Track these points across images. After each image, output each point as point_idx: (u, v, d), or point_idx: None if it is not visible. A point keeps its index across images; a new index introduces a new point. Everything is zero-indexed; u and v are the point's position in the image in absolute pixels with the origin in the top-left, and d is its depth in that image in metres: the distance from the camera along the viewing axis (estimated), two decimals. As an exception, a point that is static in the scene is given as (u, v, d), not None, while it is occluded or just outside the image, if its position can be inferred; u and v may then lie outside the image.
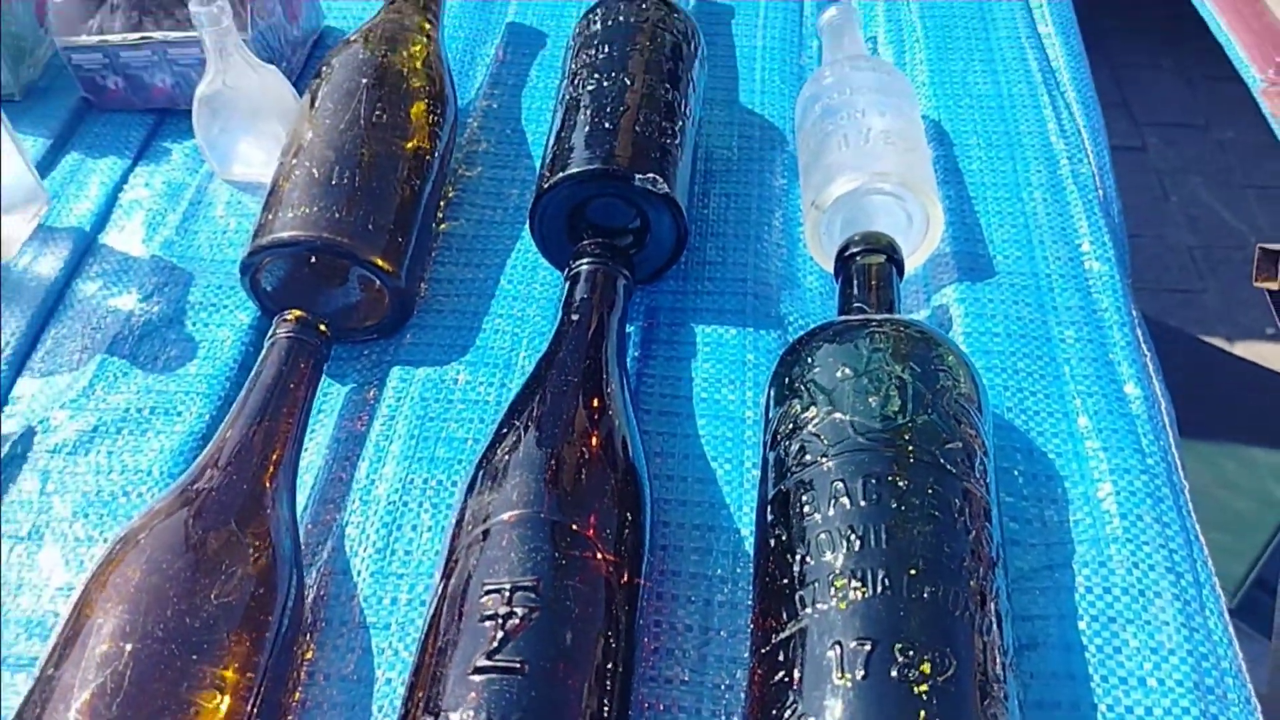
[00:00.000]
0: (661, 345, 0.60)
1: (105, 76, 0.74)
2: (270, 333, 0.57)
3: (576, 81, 0.66)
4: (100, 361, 0.60)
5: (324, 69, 0.67)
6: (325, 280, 0.61)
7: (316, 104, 0.65)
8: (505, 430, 0.50)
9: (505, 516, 0.45)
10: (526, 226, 0.66)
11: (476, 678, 0.39)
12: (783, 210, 0.68)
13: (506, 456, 0.48)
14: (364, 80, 0.65)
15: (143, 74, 0.74)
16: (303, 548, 0.52)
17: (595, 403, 0.51)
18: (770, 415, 0.51)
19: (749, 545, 0.52)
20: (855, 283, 0.56)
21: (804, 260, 0.65)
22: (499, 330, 0.62)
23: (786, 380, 0.51)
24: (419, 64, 0.68)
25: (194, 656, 0.43)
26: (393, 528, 0.53)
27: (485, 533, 0.45)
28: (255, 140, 0.69)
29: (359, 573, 0.52)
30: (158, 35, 0.72)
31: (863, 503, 0.44)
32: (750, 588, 0.50)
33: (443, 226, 0.67)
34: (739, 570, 0.51)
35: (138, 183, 0.72)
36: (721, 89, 0.75)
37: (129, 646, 0.42)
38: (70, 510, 0.54)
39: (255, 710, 0.44)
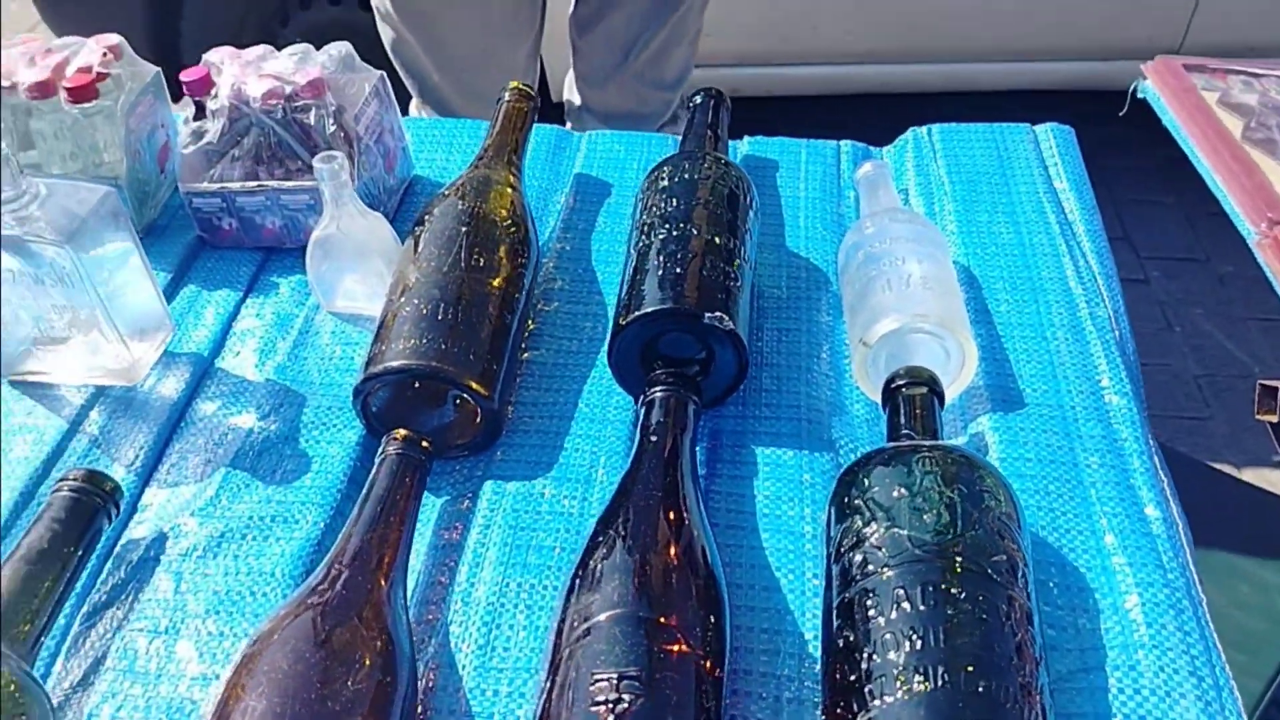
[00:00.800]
0: (726, 465, 0.67)
1: (221, 218, 0.84)
2: (381, 450, 0.64)
3: (647, 231, 0.74)
4: (224, 474, 0.67)
5: (426, 217, 0.76)
6: (424, 402, 0.69)
7: (420, 248, 0.73)
8: (599, 540, 0.56)
9: (605, 616, 0.52)
10: (601, 356, 0.75)
11: (591, 756, 0.45)
12: (829, 344, 0.76)
13: (602, 563, 0.55)
14: (462, 228, 0.74)
15: (255, 216, 0.83)
16: (411, 644, 0.58)
17: (676, 515, 0.58)
18: (832, 531, 0.57)
19: (812, 648, 0.58)
20: (902, 411, 0.64)
21: (850, 389, 0.73)
22: (579, 449, 0.69)
23: (846, 499, 0.57)
24: (506, 212, 0.77)
25: (334, 737, 0.49)
26: (492, 626, 0.59)
27: (588, 630, 0.51)
28: (359, 277, 0.77)
29: (463, 667, 0.58)
30: (272, 183, 0.81)
31: (922, 607, 0.50)
32: (816, 686, 0.56)
33: (525, 355, 0.75)
34: (804, 670, 0.57)
35: (249, 313, 0.80)
36: (770, 234, 0.84)
37: (283, 723, 0.48)
38: (203, 608, 0.60)
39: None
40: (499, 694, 0.56)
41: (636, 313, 0.68)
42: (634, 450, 0.63)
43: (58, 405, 0.72)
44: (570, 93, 1.69)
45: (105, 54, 0.82)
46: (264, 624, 0.54)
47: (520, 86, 0.89)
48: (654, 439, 0.63)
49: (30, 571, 0.58)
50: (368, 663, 0.53)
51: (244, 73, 0.81)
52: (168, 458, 0.70)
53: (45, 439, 0.70)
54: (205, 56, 0.84)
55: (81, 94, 0.79)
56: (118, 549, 0.64)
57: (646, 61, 1.58)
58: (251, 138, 0.81)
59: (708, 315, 0.67)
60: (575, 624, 0.52)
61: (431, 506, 0.67)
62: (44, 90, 0.80)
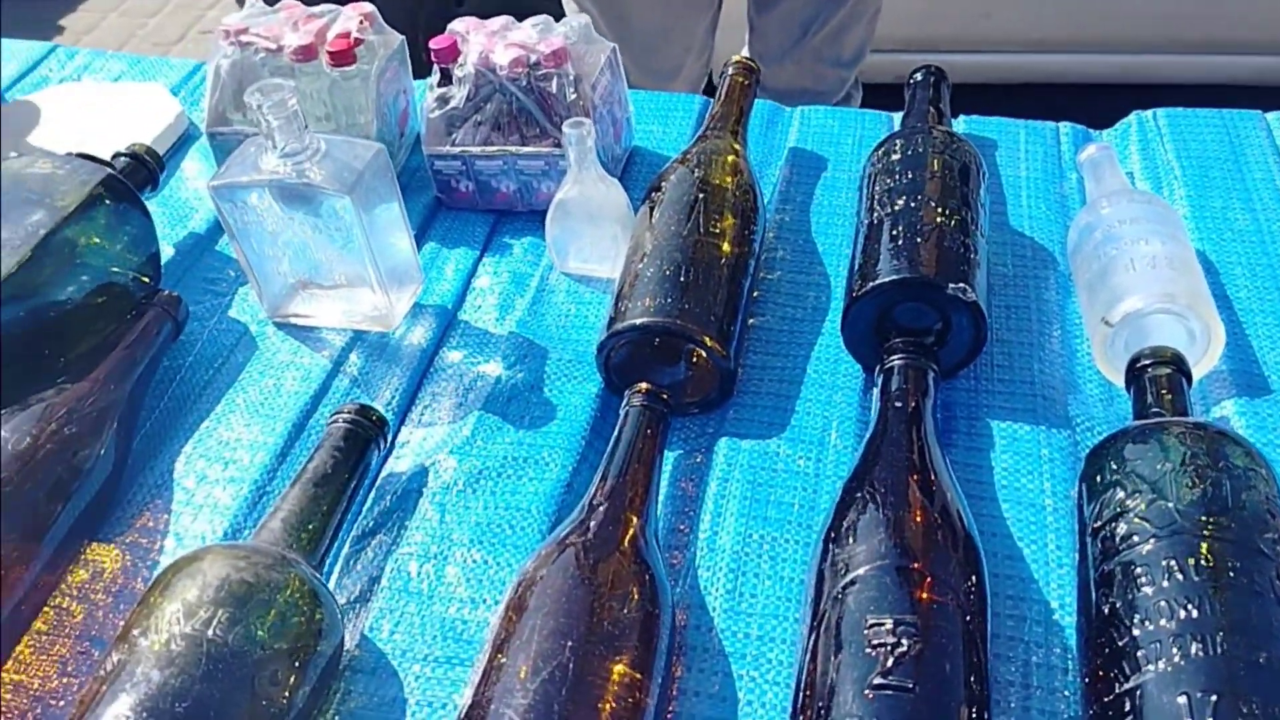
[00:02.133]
0: (961, 436, 0.68)
1: (459, 180, 0.88)
2: (625, 401, 0.67)
3: (879, 203, 0.76)
4: (478, 417, 0.72)
5: (661, 185, 0.79)
6: (660, 359, 0.72)
7: (657, 215, 0.76)
8: (855, 497, 0.58)
9: (870, 567, 0.53)
10: (825, 324, 0.77)
11: (872, 694, 0.47)
12: (1059, 323, 0.76)
13: (860, 519, 0.57)
14: (699, 195, 0.77)
15: (491, 180, 0.88)
16: (661, 585, 0.61)
17: (932, 476, 0.59)
18: (1085, 507, 0.58)
19: (1059, 616, 0.58)
20: (1150, 390, 0.63)
21: (1082, 368, 0.72)
22: (810, 413, 0.71)
23: (1101, 475, 0.58)
24: (736, 181, 0.80)
25: (615, 655, 0.52)
26: (738, 574, 0.62)
27: (853, 580, 0.53)
28: (592, 240, 0.81)
29: (713, 609, 0.60)
30: (511, 148, 0.85)
31: (1196, 578, 0.50)
32: (1064, 652, 0.57)
33: (751, 321, 0.77)
34: (1051, 636, 0.58)
35: (485, 271, 0.84)
36: (993, 212, 0.84)
37: (568, 644, 0.52)
38: (467, 538, 0.65)
39: (652, 704, 0.53)
40: (749, 636, 0.59)
41: (874, 282, 0.70)
42: (877, 415, 0.64)
43: (320, 346, 0.78)
44: (744, 72, 1.70)
45: (361, 21, 0.88)
46: (531, 561, 0.58)
47: (743, 60, 0.91)
48: (898, 404, 0.64)
49: (316, 493, 0.63)
50: (635, 594, 0.56)
51: (490, 41, 0.85)
52: (420, 400, 0.75)
53: (312, 376, 0.76)
54: (450, 26, 0.88)
55: (342, 58, 0.85)
56: (379, 481, 0.69)
57: (825, 39, 1.58)
58: (494, 104, 0.85)
59: (951, 286, 0.68)
60: (840, 573, 0.54)
61: (665, 459, 0.70)
62: (307, 54, 0.86)
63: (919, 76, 0.90)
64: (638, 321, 0.70)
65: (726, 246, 0.75)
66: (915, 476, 0.59)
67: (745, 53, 1.76)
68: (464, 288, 0.83)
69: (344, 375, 0.76)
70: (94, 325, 0.75)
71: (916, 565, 0.53)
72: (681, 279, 0.72)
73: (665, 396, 0.68)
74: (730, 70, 0.90)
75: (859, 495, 0.58)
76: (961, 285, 0.68)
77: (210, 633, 0.52)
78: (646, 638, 0.55)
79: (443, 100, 0.87)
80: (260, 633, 0.53)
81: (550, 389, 0.74)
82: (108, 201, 0.76)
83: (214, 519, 0.67)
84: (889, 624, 0.50)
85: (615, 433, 0.66)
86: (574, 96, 0.83)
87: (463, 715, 0.51)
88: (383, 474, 0.70)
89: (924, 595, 0.52)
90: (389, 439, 0.68)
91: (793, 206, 0.87)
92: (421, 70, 0.94)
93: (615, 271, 0.82)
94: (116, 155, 0.83)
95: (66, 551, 0.64)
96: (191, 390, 0.76)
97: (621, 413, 0.67)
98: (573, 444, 0.70)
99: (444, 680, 0.58)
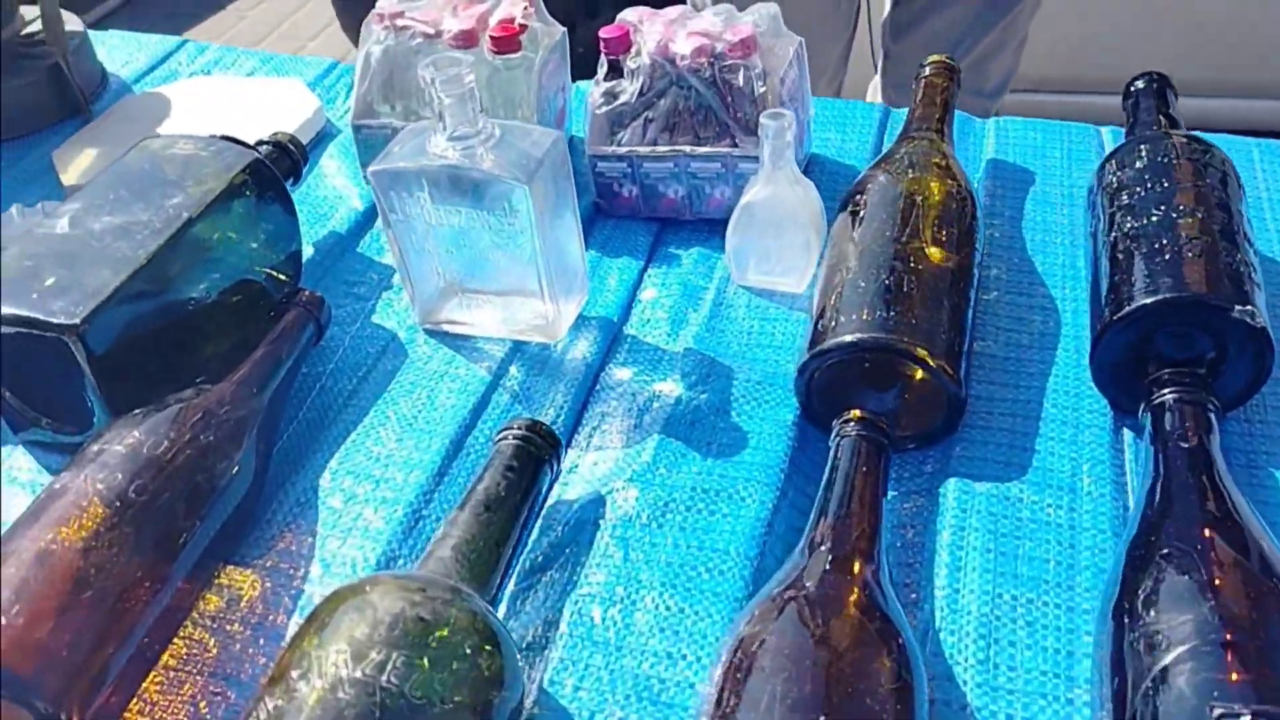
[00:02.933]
0: (1240, 486, 0.57)
1: (622, 184, 0.80)
2: (837, 430, 0.58)
3: (1127, 216, 0.65)
4: (659, 442, 0.63)
5: (863, 192, 0.69)
6: (869, 385, 0.62)
7: (862, 224, 0.67)
8: (1151, 559, 0.48)
9: (1193, 645, 0.43)
10: (1057, 352, 0.66)
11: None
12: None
13: (1163, 584, 0.46)
14: (915, 198, 0.67)
15: (659, 184, 0.79)
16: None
17: (1242, 529, 0.48)
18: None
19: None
20: None
21: (1375, 413, 0.61)
22: (1054, 453, 0.60)
23: None
24: (952, 187, 0.70)
25: (877, 741, 0.42)
26: (990, 642, 0.51)
27: (1176, 661, 0.43)
28: (781, 249, 0.72)
29: (964, 683, 0.50)
30: (685, 148, 0.77)
31: None
32: None
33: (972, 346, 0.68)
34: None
35: (652, 283, 0.76)
36: (1232, 235, 0.74)
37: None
38: (656, 580, 0.55)
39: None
40: (1013, 719, 0.49)
41: (1136, 305, 0.59)
42: (1154, 459, 0.54)
43: (477, 357, 0.70)
44: (874, 99, 1.62)
45: (526, 6, 0.81)
46: (749, 615, 0.48)
47: (941, 59, 0.82)
48: (1181, 445, 0.54)
49: (488, 519, 0.54)
50: (887, 661, 0.46)
51: (669, 30, 0.77)
52: (588, 420, 0.66)
53: (469, 389, 0.67)
54: (621, 15, 0.81)
55: (506, 45, 0.78)
56: (546, 510, 0.61)
57: (968, 68, 1.49)
58: (669, 99, 0.77)
59: (1238, 309, 0.57)
60: (1152, 651, 0.43)
61: (875, 500, 0.60)
62: (467, 40, 0.79)
63: (1141, 84, 0.80)
64: (850, 338, 0.60)
65: (947, 255, 0.66)
66: (1222, 530, 0.49)
67: (878, 80, 1.69)
68: (629, 300, 0.75)
69: (504, 389, 0.68)
70: (229, 325, 0.68)
71: (1256, 638, 0.43)
72: (900, 291, 0.62)
73: (884, 425, 0.58)
74: (927, 71, 0.81)
75: (1156, 556, 0.48)
76: (1249, 308, 0.57)
77: (384, 679, 0.43)
78: (904, 714, 0.45)
79: (610, 95, 0.79)
80: (439, 681, 0.44)
81: (739, 413, 0.64)
82: (249, 192, 0.70)
83: (365, 544, 0.58)
84: (1242, 714, 0.39)
85: (829, 466, 0.56)
86: (762, 90, 0.75)
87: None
88: (550, 501, 0.61)
89: (1261, 675, 0.41)
90: (561, 460, 0.60)
91: (1002, 221, 0.77)
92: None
93: (802, 285, 0.73)
94: (259, 143, 0.76)
95: (200, 574, 0.56)
96: (334, 400, 0.68)
97: (833, 443, 0.57)
98: (770, 477, 0.60)
99: (639, 751, 0.49)
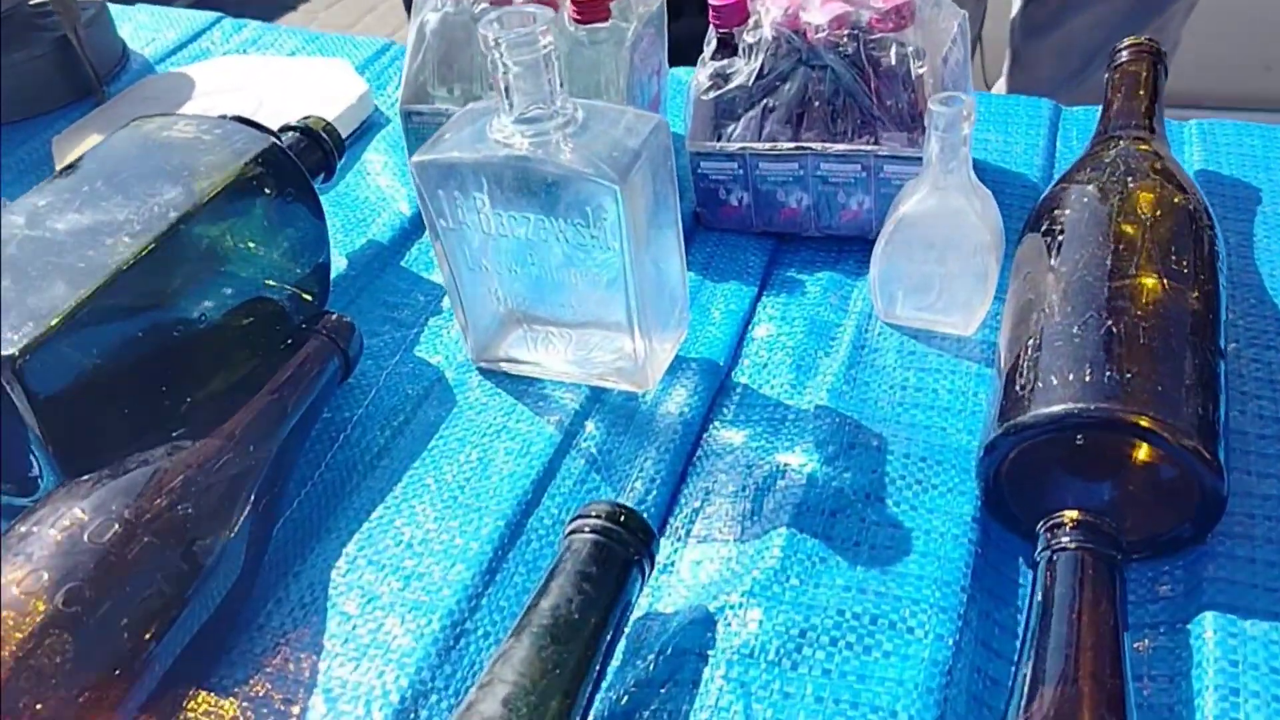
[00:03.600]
0: None
1: (731, 189, 0.64)
2: (1046, 538, 0.41)
3: None
4: (787, 538, 0.46)
5: (1059, 206, 0.53)
6: (1082, 471, 0.46)
7: (1063, 247, 0.50)
8: None
9: None
10: (1332, 430, 0.49)
11: None
12: None
13: None
14: (1134, 218, 0.50)
15: (778, 190, 0.63)
16: None
17: None
18: None
19: None
20: None
21: None
22: (1354, 579, 0.43)
23: None
24: (1179, 199, 0.53)
25: None
26: None
27: None
28: (943, 277, 0.55)
29: None
30: (816, 145, 0.61)
31: None
32: None
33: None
34: None
35: (767, 316, 0.59)
36: None
37: None
38: (796, 752, 0.39)
39: None
40: None
41: None
42: None
43: (544, 407, 0.54)
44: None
45: (617, -32, 0.65)
46: None
47: (1137, 40, 0.64)
48: None
49: (555, 655, 0.38)
50: None
51: (798, -4, 0.61)
52: (687, 497, 0.50)
53: (533, 451, 0.52)
54: (736, -20, 0.65)
55: (592, 12, 0.62)
56: (631, 624, 0.45)
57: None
58: (795, 83, 0.61)
59: None
60: None
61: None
62: (544, 5, 0.63)
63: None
64: (1063, 408, 0.43)
65: (1184, 291, 0.48)
66: None
67: (1002, 84, 1.51)
68: (738, 338, 0.58)
69: (577, 453, 0.52)
70: (233, 356, 0.53)
71: None
72: (1130, 340, 0.45)
73: (1113, 532, 0.42)
74: (1123, 57, 0.63)
75: None
76: None
77: None
78: None
79: (720, 78, 0.63)
80: None
81: (897, 502, 0.48)
82: (264, 188, 0.55)
83: (386, 669, 0.42)
84: None
85: (1039, 592, 0.39)
86: (920, 70, 0.58)
87: None
88: (636, 614, 0.45)
89: None
90: (655, 561, 0.44)
91: (1227, 249, 0.60)
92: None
93: (970, 327, 0.56)
94: (284, 129, 0.62)
95: (162, 706, 0.41)
96: (360, 459, 0.52)
97: (1041, 556, 0.41)
98: (948, 598, 0.43)
99: None
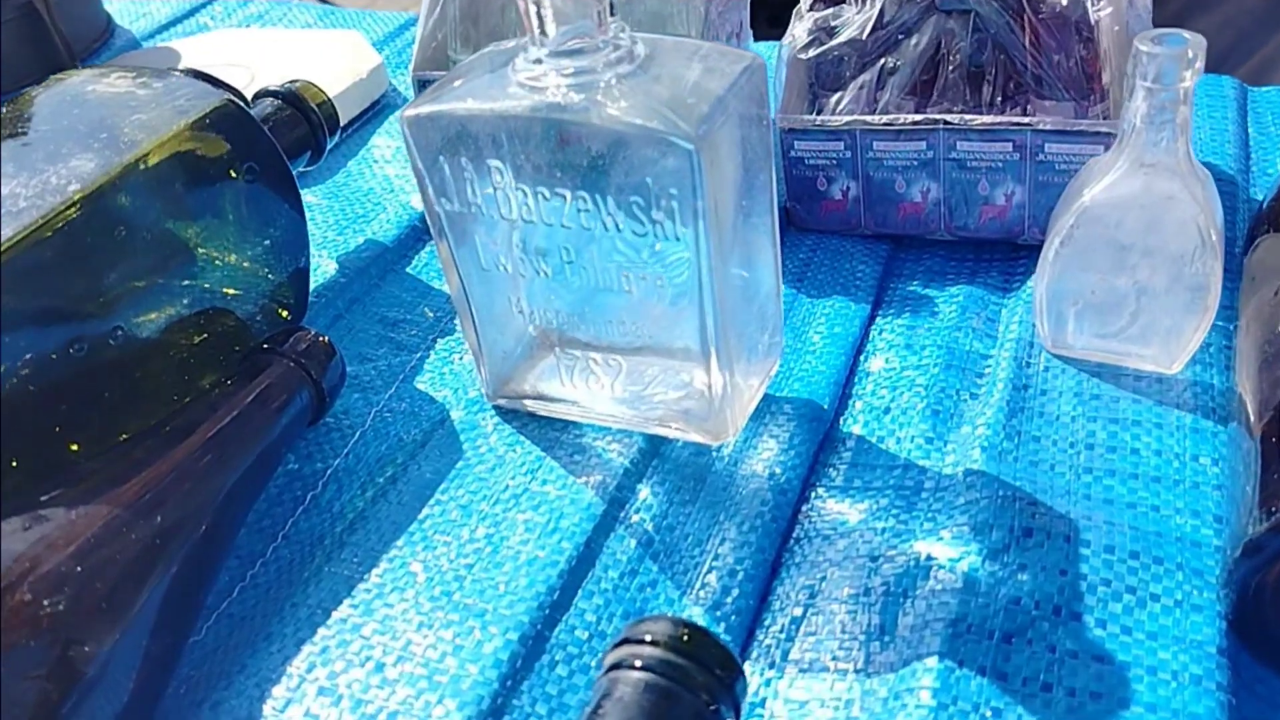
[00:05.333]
0: None
1: (834, 177, 0.49)
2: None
3: None
4: (941, 675, 0.31)
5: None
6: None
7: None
8: None
9: None
10: None
11: None
12: None
13: None
14: None
15: (896, 178, 0.48)
16: None
17: None
18: None
19: None
20: None
21: None
22: None
23: None
24: None
25: None
26: None
27: None
28: (1137, 290, 0.40)
29: None
30: (951, 118, 0.46)
31: None
32: None
33: None
34: None
35: (885, 343, 0.44)
36: None
37: None
38: None
39: None
40: None
41: None
42: None
43: (583, 464, 0.39)
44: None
45: (690, -100, 0.51)
46: None
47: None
48: None
49: None
50: None
51: (932, -78, 0.47)
52: (784, 603, 0.35)
53: (564, 528, 0.37)
54: (843, -90, 0.51)
55: (658, -52, 0.49)
56: (704, 802, 0.30)
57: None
58: (926, 35, 0.47)
59: None
60: None
61: None
62: (597, -53, 0.50)
63: None
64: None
65: None
66: None
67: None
68: (846, 372, 0.43)
69: (627, 531, 0.37)
70: (168, 384, 0.40)
71: None
72: None
73: None
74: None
75: None
76: None
77: None
78: None
79: (824, 32, 0.48)
80: None
81: (1101, 621, 0.32)
82: (220, 162, 0.41)
83: None
84: None
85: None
86: (1103, 12, 0.43)
87: None
88: (711, 785, 0.30)
89: None
90: (739, 711, 0.29)
91: None
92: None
93: (1176, 362, 0.40)
94: (261, 94, 0.49)
95: None
96: (330, 530, 0.38)
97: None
98: (1204, 781, 0.28)
99: None
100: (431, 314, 0.48)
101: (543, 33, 0.34)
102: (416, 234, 0.53)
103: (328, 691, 0.32)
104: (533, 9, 0.33)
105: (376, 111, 0.63)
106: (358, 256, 0.51)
